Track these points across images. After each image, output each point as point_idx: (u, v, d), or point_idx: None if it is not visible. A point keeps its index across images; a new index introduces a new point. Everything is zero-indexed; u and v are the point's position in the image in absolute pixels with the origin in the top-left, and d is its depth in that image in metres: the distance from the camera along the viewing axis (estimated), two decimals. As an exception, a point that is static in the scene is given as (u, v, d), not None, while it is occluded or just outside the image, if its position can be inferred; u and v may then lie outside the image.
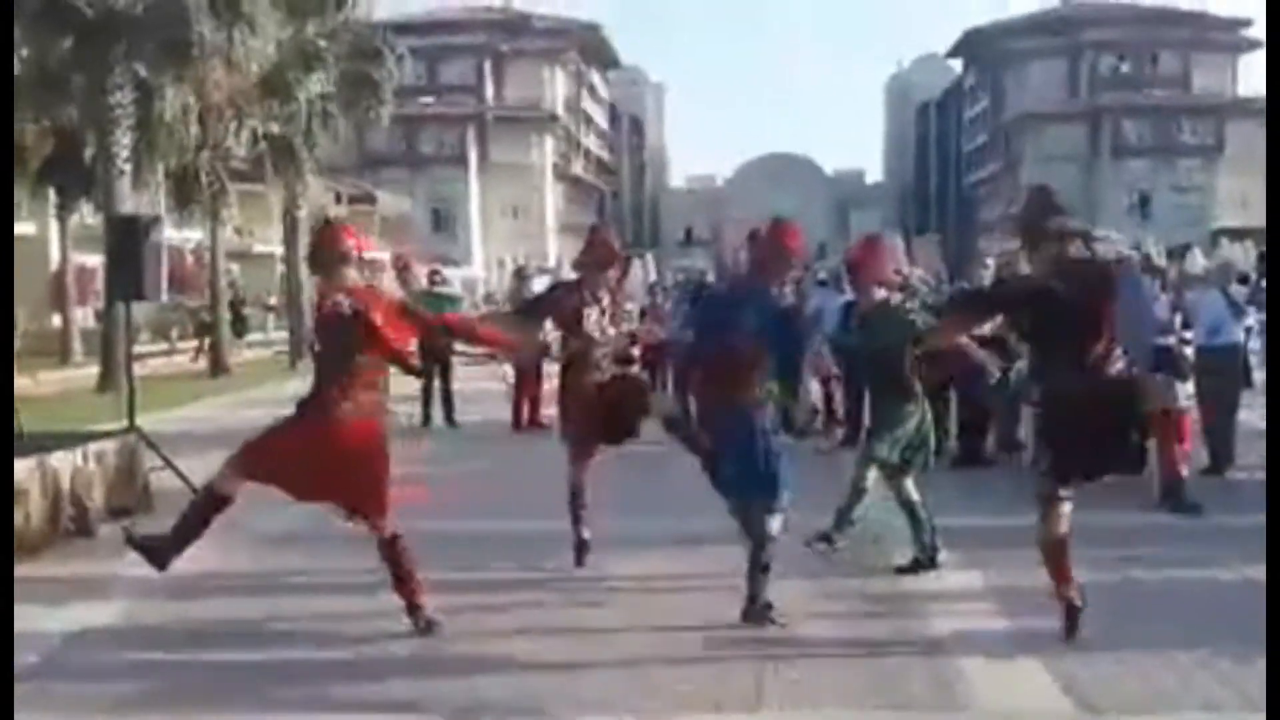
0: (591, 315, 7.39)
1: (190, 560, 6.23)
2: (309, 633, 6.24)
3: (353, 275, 6.07)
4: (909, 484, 7.34)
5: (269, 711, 5.12)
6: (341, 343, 5.93)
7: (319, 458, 5.84)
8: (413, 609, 6.04)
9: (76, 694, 5.39)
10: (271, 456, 5.94)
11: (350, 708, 5.16)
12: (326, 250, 6.10)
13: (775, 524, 6.28)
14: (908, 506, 7.31)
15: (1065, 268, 5.62)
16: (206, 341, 26.74)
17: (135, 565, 6.25)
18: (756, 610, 6.20)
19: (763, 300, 6.42)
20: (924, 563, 7.26)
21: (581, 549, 7.45)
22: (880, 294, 7.52)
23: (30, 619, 6.33)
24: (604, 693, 5.30)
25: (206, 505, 6.01)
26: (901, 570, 7.23)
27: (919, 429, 7.34)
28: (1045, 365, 5.80)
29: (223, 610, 6.59)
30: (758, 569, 6.24)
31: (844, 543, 7.39)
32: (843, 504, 7.42)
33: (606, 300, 7.50)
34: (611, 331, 7.49)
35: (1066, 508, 5.66)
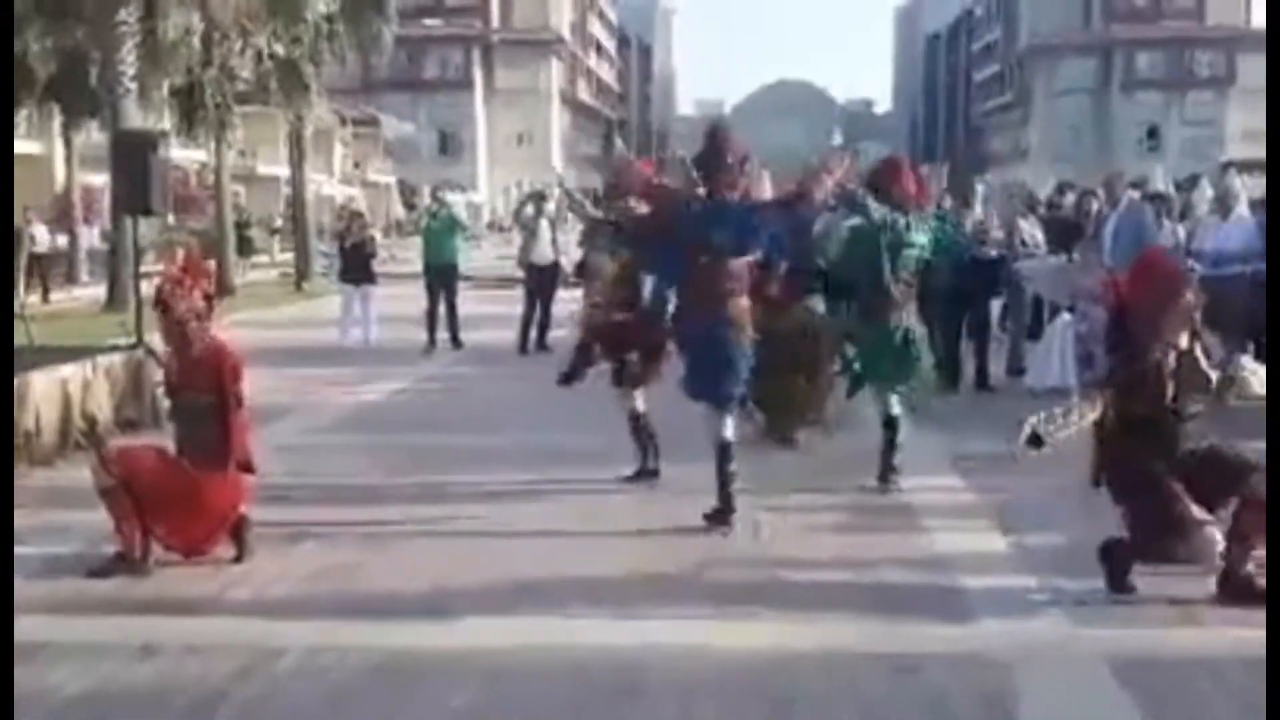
0: None
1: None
2: (320, 532, 6.36)
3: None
4: (894, 400, 7.36)
5: (276, 615, 5.23)
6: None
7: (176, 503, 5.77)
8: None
9: (98, 593, 5.50)
10: (139, 474, 5.78)
11: (370, 599, 5.27)
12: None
13: (728, 430, 6.54)
14: (889, 424, 7.33)
15: None
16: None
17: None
18: (713, 513, 6.45)
19: (719, 211, 6.47)
20: (882, 483, 7.28)
21: (645, 464, 7.53)
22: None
23: (45, 522, 6.48)
24: (605, 592, 5.44)
25: (112, 501, 5.80)
26: (867, 488, 7.29)
27: (903, 343, 7.29)
28: None
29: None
30: (720, 475, 6.49)
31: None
32: (883, 441, 7.32)
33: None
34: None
35: None
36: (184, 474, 5.82)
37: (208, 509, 5.84)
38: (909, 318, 7.39)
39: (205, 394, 5.87)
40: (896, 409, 7.37)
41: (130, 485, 5.71)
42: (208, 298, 6.01)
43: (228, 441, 5.84)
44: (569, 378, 7.57)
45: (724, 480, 6.51)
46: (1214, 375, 5.32)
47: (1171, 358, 5.24)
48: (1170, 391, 5.22)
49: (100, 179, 26.59)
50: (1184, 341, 5.27)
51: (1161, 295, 5.31)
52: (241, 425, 5.91)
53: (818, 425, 8.88)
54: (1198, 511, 5.14)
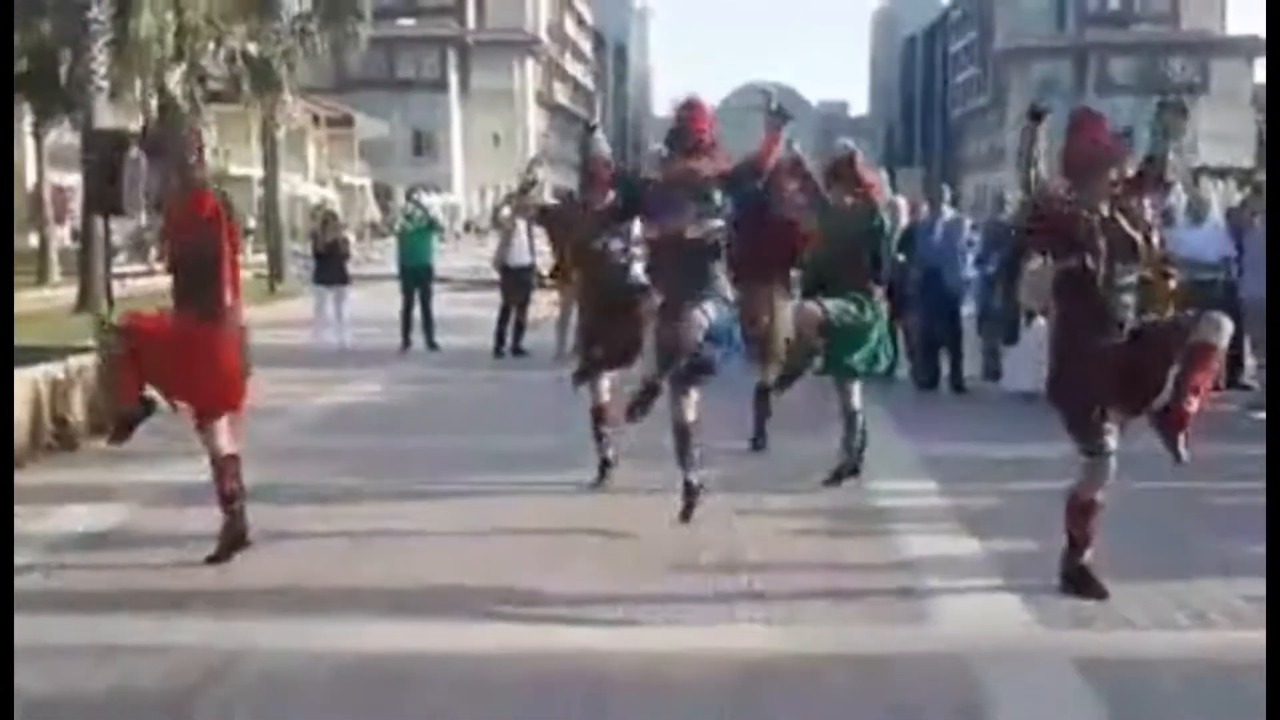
0: (600, 237, 7.35)
1: (184, 472, 6.26)
2: (294, 534, 6.31)
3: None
4: (856, 391, 7.37)
5: (248, 616, 5.21)
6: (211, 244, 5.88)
7: (189, 359, 5.86)
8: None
9: (64, 594, 5.46)
10: (146, 336, 5.94)
11: (343, 602, 5.24)
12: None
13: (690, 412, 6.41)
14: (849, 415, 7.34)
15: None
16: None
17: (122, 475, 6.27)
18: (685, 510, 6.40)
19: (689, 189, 6.35)
20: (845, 472, 7.31)
21: (604, 466, 7.53)
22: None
23: (16, 524, 6.40)
24: (583, 590, 5.46)
25: (112, 368, 6.04)
26: (827, 483, 7.31)
27: (876, 333, 7.32)
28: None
29: (206, 520, 6.61)
30: (682, 458, 6.42)
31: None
32: (844, 432, 7.36)
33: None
34: (616, 245, 7.39)
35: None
36: (185, 328, 5.84)
37: (214, 362, 5.86)
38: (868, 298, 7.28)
39: (201, 240, 5.82)
40: (858, 403, 7.35)
41: (138, 351, 5.83)
42: (200, 149, 6.07)
43: (220, 291, 5.83)
44: (580, 379, 7.56)
45: (686, 463, 6.41)
46: (1138, 239, 5.27)
47: (1096, 221, 5.22)
48: (1102, 249, 5.18)
49: (70, 178, 26.43)
50: (1105, 209, 5.24)
51: (1092, 159, 5.30)
52: (231, 276, 5.86)
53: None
54: (1110, 438, 5.20)
